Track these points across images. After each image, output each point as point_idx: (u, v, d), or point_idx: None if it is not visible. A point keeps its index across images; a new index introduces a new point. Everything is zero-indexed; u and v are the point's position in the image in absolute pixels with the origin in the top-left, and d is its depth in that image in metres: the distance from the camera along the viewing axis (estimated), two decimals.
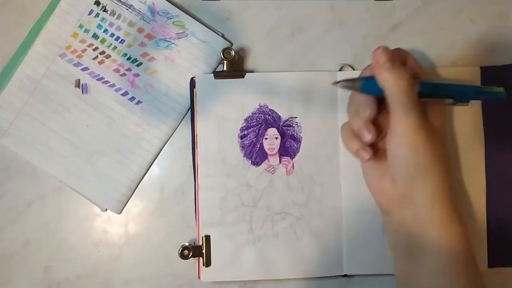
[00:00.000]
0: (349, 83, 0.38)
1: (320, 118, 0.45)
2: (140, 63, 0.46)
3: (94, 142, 0.46)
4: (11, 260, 0.46)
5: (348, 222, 0.45)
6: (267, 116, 0.45)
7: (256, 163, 0.45)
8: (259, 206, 0.45)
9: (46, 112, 0.46)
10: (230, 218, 0.45)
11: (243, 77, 0.45)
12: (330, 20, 0.47)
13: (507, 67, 0.46)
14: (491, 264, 0.44)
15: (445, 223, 0.36)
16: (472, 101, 0.44)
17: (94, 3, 0.46)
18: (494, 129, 0.45)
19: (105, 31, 0.46)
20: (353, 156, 0.39)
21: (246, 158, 0.45)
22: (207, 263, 0.44)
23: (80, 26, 0.46)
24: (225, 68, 0.45)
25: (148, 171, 0.46)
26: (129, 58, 0.46)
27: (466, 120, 0.45)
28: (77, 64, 0.46)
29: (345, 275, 0.45)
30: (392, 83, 0.35)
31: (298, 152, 0.45)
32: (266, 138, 0.45)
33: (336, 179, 0.45)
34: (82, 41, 0.46)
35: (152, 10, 0.46)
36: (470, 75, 0.44)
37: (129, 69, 0.46)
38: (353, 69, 0.46)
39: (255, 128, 0.45)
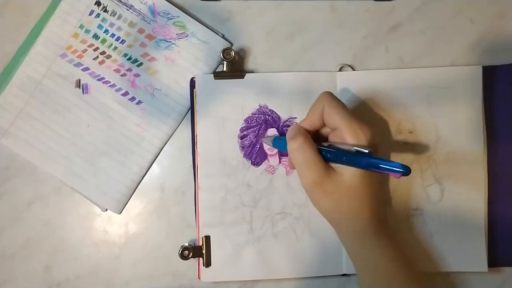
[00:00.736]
0: (266, 139, 0.44)
1: None
2: (141, 64, 0.46)
3: (94, 142, 0.46)
4: (11, 260, 0.46)
5: None
6: (267, 116, 0.45)
7: (256, 163, 0.45)
8: (259, 206, 0.45)
9: (46, 112, 0.46)
10: (230, 218, 0.45)
11: (243, 77, 0.45)
12: (330, 20, 0.47)
13: (507, 67, 0.46)
14: (491, 264, 0.44)
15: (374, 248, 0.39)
16: (471, 101, 0.45)
17: (95, 4, 0.46)
18: (495, 129, 0.45)
19: (106, 31, 0.46)
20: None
21: (246, 158, 0.45)
22: (207, 263, 0.44)
23: (81, 27, 0.46)
24: (225, 69, 0.45)
25: (148, 171, 0.47)
26: (129, 59, 0.46)
27: (467, 120, 0.45)
28: (78, 64, 0.46)
29: (344, 275, 0.45)
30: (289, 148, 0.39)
31: None
32: None
33: None
34: (83, 41, 0.46)
35: (152, 11, 0.46)
36: (470, 75, 0.44)
37: (129, 70, 0.46)
38: (353, 69, 0.46)
39: (255, 128, 0.45)
